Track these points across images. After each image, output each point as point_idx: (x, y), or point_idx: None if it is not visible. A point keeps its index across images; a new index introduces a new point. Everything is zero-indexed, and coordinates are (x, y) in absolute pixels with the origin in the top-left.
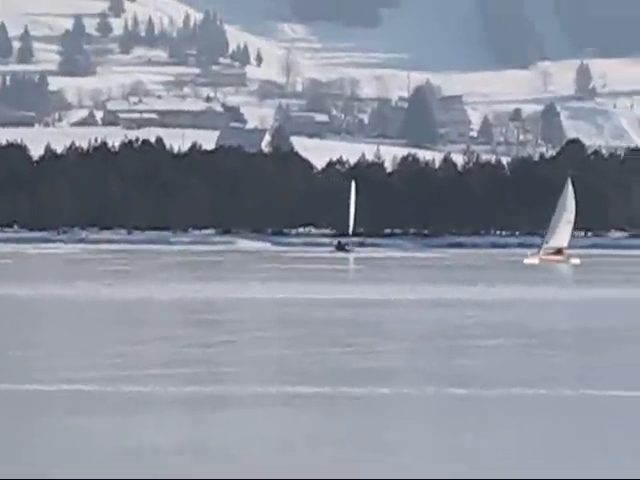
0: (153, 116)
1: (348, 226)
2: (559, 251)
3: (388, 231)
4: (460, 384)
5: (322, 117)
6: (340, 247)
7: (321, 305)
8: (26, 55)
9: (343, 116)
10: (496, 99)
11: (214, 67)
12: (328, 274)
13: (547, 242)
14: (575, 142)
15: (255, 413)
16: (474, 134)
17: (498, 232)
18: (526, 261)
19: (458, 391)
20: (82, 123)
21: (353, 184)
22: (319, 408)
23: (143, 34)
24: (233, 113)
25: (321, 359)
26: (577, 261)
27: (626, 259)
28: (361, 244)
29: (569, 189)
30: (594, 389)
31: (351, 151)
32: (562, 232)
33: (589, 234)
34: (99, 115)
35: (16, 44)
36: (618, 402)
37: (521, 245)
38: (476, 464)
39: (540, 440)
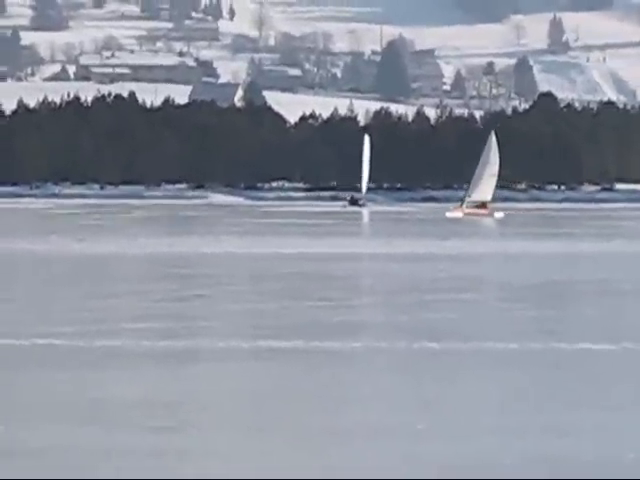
0: (126, 71)
1: (360, 181)
2: (483, 205)
3: None
4: (432, 338)
5: (295, 71)
6: (353, 202)
7: (295, 259)
8: None
9: (316, 70)
10: (469, 53)
11: (187, 21)
12: (302, 228)
13: (470, 195)
14: (548, 95)
15: (228, 367)
16: (447, 88)
17: None
18: (448, 214)
19: (430, 345)
20: (54, 78)
21: (367, 138)
22: (292, 362)
23: None
24: (206, 67)
25: (294, 313)
26: (501, 215)
27: (597, 212)
28: (334, 198)
29: (492, 141)
30: (564, 342)
31: (324, 105)
32: (486, 185)
33: (562, 188)
34: (71, 70)
35: None
36: (587, 355)
37: (493, 199)
38: (447, 416)
39: (512, 393)
